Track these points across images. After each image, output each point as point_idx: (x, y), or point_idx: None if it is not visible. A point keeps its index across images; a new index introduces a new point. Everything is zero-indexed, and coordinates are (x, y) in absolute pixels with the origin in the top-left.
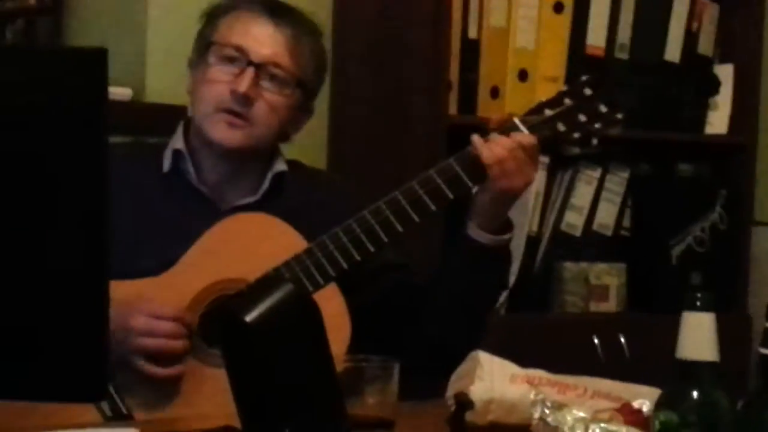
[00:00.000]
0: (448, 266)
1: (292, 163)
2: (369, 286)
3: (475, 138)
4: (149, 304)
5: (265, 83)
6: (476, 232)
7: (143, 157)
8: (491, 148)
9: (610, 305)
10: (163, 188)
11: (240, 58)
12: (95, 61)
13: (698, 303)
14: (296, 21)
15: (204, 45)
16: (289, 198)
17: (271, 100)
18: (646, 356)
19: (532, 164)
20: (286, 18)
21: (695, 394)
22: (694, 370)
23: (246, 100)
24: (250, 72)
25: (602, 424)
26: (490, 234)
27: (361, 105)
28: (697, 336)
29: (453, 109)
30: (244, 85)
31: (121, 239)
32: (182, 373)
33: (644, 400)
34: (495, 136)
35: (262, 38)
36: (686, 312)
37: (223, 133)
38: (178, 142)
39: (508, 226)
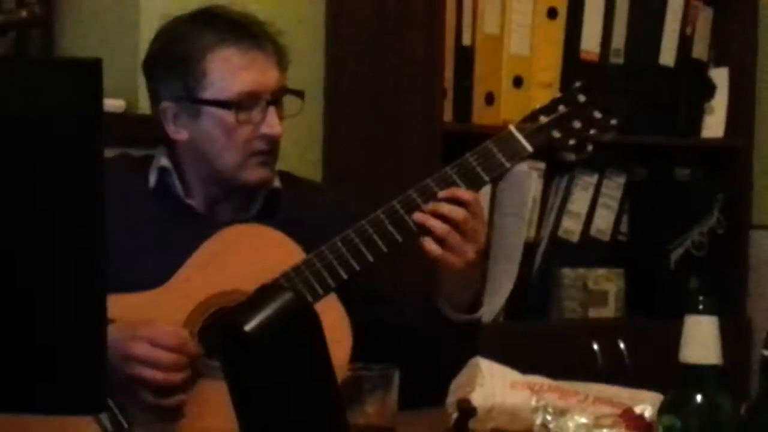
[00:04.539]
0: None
1: (284, 176)
2: (356, 314)
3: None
4: (149, 330)
5: (279, 111)
6: (446, 309)
7: (128, 170)
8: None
9: (609, 311)
10: (151, 203)
11: (254, 102)
12: (90, 73)
13: (701, 306)
14: (263, 30)
15: (194, 99)
16: (283, 214)
17: (283, 122)
18: (645, 361)
19: (482, 225)
20: (259, 35)
21: (698, 398)
22: (697, 374)
23: (278, 138)
24: (273, 112)
25: (605, 430)
26: (459, 312)
27: (356, 112)
28: (701, 339)
29: (448, 116)
30: (277, 127)
31: (114, 252)
32: (184, 401)
33: (646, 405)
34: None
35: (261, 71)
36: (689, 315)
37: (258, 174)
38: (163, 159)
39: (479, 302)
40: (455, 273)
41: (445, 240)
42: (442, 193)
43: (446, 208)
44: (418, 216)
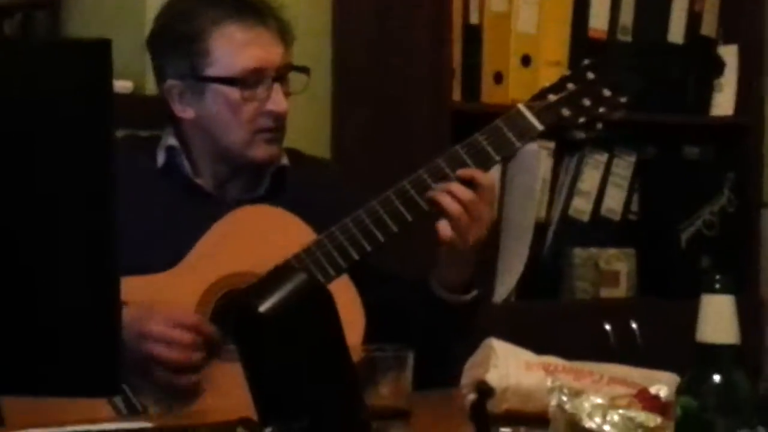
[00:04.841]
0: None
1: (292, 153)
2: (368, 292)
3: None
4: (167, 309)
5: (285, 87)
6: (437, 288)
7: (136, 150)
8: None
9: (621, 290)
10: (160, 183)
11: (259, 78)
12: (99, 53)
13: (717, 285)
14: (267, 5)
15: (199, 77)
16: (292, 192)
17: (291, 99)
18: (657, 341)
19: (490, 210)
20: (262, 10)
21: (716, 377)
22: (715, 354)
23: (284, 115)
24: (278, 89)
25: (620, 411)
26: (451, 293)
27: (365, 92)
28: (717, 318)
29: (457, 95)
30: (283, 104)
31: (125, 233)
32: (198, 380)
33: (661, 385)
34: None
35: (266, 48)
36: (705, 294)
37: (264, 151)
38: (170, 138)
39: (472, 284)
40: (456, 255)
41: (456, 221)
42: (459, 172)
43: (457, 188)
44: (432, 194)
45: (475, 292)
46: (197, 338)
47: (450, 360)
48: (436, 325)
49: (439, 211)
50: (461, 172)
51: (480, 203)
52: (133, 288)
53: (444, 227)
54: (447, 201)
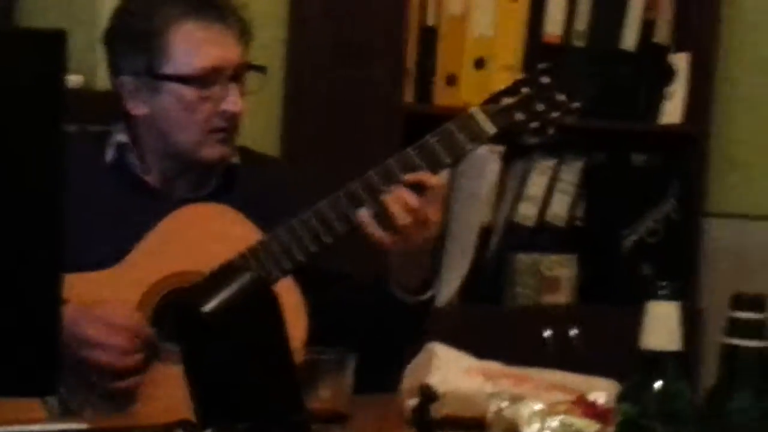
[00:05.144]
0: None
1: (243, 151)
2: (312, 293)
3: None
4: (103, 311)
5: (241, 87)
6: (394, 289)
7: (85, 145)
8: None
9: (562, 296)
10: (108, 179)
11: (216, 78)
12: (53, 44)
13: (663, 292)
14: (227, 3)
15: (155, 74)
16: (241, 191)
17: (243, 99)
18: (598, 348)
19: (437, 212)
20: (222, 8)
21: (658, 384)
22: (658, 360)
23: (239, 115)
24: (234, 89)
25: (559, 417)
26: (406, 293)
27: (317, 92)
28: (662, 325)
29: (409, 96)
30: (238, 104)
31: (69, 229)
32: (137, 384)
33: (600, 392)
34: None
35: (225, 47)
36: (651, 301)
37: (217, 151)
38: (120, 135)
39: (428, 283)
40: (404, 257)
41: (401, 228)
42: (408, 177)
43: (407, 196)
44: (383, 199)
45: (431, 292)
46: (135, 341)
47: (397, 362)
48: (391, 325)
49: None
50: (409, 176)
51: (428, 206)
52: (75, 285)
53: (377, 231)
54: (400, 214)
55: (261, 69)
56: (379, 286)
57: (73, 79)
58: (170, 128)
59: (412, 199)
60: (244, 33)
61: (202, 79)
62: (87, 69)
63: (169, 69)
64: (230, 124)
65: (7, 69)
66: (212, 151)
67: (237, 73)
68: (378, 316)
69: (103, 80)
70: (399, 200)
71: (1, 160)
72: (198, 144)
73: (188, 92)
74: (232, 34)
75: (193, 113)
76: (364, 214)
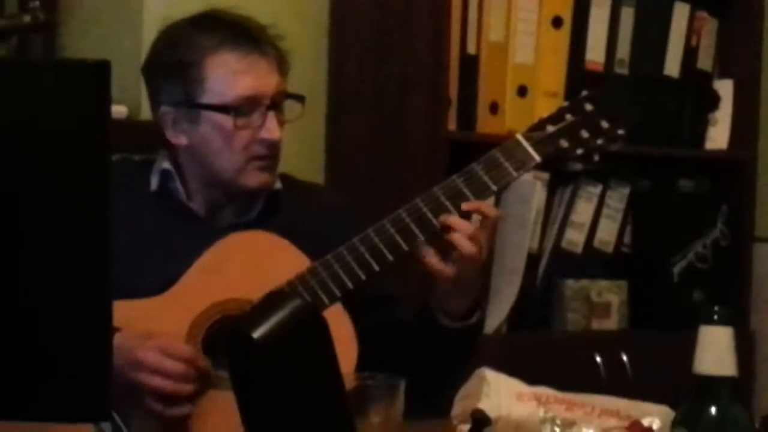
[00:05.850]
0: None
1: (285, 178)
2: (362, 316)
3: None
4: (161, 339)
5: (280, 115)
6: (440, 316)
7: (130, 173)
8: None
9: (612, 322)
10: (153, 207)
11: (253, 106)
12: (98, 74)
13: (716, 316)
14: (264, 34)
15: (192, 104)
16: (285, 216)
17: (283, 128)
18: (648, 373)
19: (490, 240)
20: (259, 38)
21: (713, 410)
22: (711, 385)
23: (278, 143)
24: (272, 117)
25: None
26: (454, 320)
27: (360, 121)
28: (715, 350)
29: (452, 125)
30: (276, 132)
31: (117, 257)
32: (192, 411)
33: (653, 417)
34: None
35: (261, 75)
36: (703, 326)
37: (257, 179)
38: (164, 162)
39: (476, 306)
40: (454, 286)
41: (466, 259)
42: (465, 206)
43: (467, 224)
44: (450, 237)
45: (477, 316)
46: (190, 370)
47: (447, 388)
48: (436, 351)
49: (446, 244)
50: (466, 205)
51: (482, 234)
52: (123, 313)
53: (431, 258)
54: (466, 244)
55: (299, 98)
56: (426, 313)
57: (118, 110)
58: (210, 157)
59: (472, 228)
60: (281, 62)
61: (239, 108)
62: (131, 100)
63: (206, 99)
64: (270, 152)
65: (51, 100)
66: (253, 179)
67: (275, 102)
68: (424, 342)
69: (146, 111)
70: (462, 230)
71: (49, 192)
72: (239, 172)
73: (226, 121)
74: (268, 63)
75: (231, 142)
76: (428, 251)
